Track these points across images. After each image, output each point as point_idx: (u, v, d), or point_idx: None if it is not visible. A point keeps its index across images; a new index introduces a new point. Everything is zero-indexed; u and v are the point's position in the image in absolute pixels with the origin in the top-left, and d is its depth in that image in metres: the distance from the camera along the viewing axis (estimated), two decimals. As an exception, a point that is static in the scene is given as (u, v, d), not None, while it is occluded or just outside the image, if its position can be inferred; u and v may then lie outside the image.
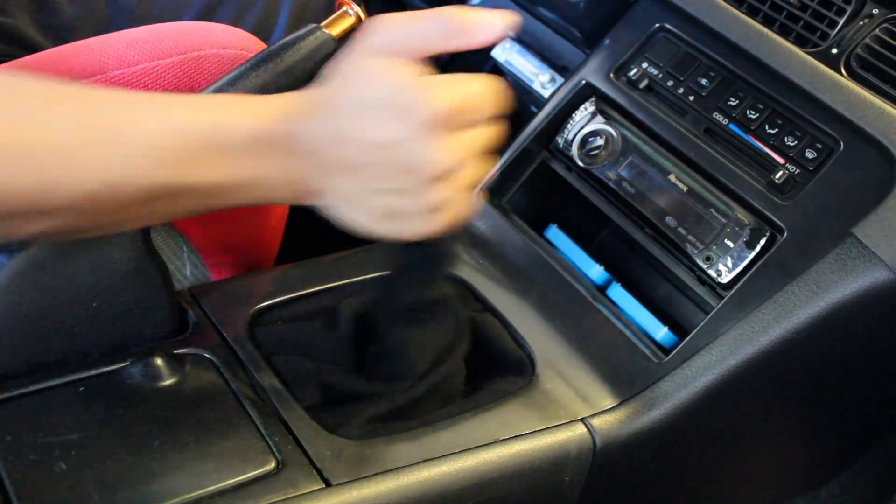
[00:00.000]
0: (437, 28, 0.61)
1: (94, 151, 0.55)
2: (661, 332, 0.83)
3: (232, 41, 0.84)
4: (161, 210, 0.60)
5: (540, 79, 1.15)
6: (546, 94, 1.13)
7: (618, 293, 0.87)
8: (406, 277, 0.73)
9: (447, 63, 1.61)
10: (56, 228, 0.57)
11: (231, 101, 0.62)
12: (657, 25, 0.94)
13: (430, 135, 0.59)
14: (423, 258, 0.75)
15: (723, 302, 0.80)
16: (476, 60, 1.53)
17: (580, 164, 0.91)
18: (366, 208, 0.63)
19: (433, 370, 0.74)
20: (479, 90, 0.61)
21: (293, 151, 0.60)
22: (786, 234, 0.79)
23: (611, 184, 0.89)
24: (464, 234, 0.91)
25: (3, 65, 0.82)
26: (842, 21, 0.87)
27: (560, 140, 0.93)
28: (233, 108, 0.60)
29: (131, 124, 0.57)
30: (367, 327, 0.77)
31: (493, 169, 0.94)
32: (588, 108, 0.93)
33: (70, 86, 0.58)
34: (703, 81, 0.89)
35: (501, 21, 0.62)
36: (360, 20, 0.80)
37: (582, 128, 0.92)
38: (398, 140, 0.59)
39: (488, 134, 0.64)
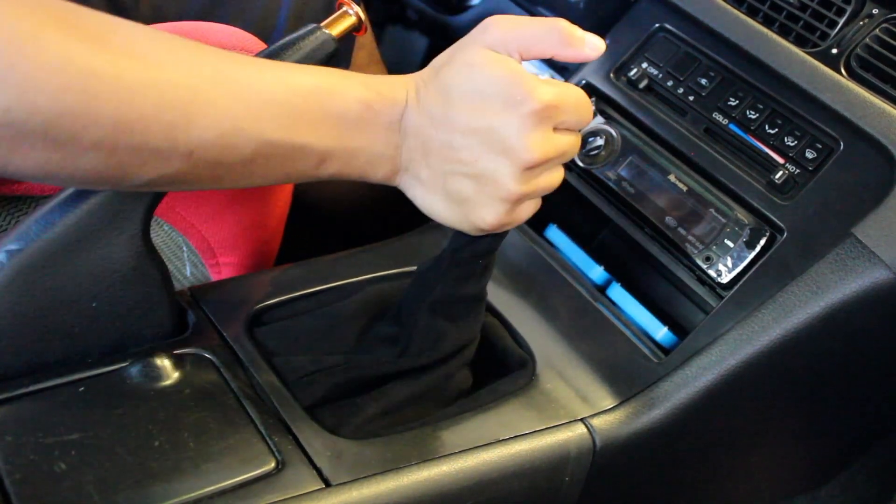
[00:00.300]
0: (549, 35, 0.66)
1: (221, 98, 0.58)
2: (660, 332, 0.83)
3: (232, 41, 0.84)
4: (266, 170, 0.63)
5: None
6: (546, 94, 1.13)
7: (617, 293, 0.87)
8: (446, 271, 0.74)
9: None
10: (171, 175, 0.59)
11: (350, 73, 0.66)
12: (657, 25, 0.94)
13: (529, 126, 0.63)
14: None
15: (722, 302, 0.80)
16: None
17: (580, 163, 0.91)
18: (444, 191, 0.66)
19: (442, 364, 0.74)
20: (578, 95, 0.67)
21: (399, 127, 0.65)
22: (785, 234, 0.79)
23: (611, 184, 0.89)
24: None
25: None
26: (841, 21, 0.87)
27: (560, 140, 0.93)
28: (351, 79, 0.65)
29: (254, 79, 0.60)
30: (378, 318, 0.77)
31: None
32: (588, 108, 0.93)
33: (209, 46, 0.61)
34: (703, 81, 0.89)
35: (602, 44, 0.67)
36: (359, 20, 0.80)
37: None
38: (499, 127, 0.63)
39: (574, 142, 0.68)
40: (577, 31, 0.67)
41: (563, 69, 1.14)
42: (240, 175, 0.63)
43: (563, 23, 0.67)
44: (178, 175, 0.59)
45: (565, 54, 0.67)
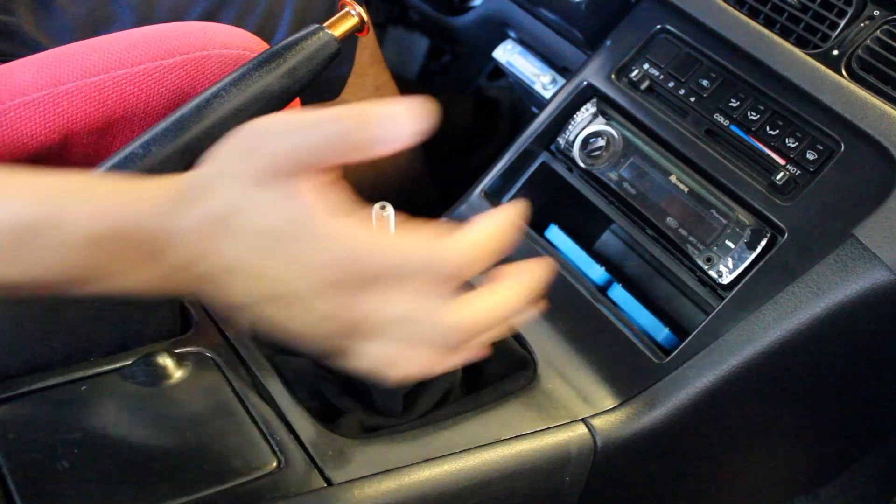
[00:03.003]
0: (325, 137, 0.48)
1: None
2: (661, 333, 0.83)
3: (235, 41, 0.85)
4: None
5: (541, 80, 1.15)
6: (547, 94, 1.13)
7: (618, 294, 0.87)
8: None
9: (445, 68, 1.61)
10: None
11: (79, 188, 0.52)
12: (658, 27, 0.94)
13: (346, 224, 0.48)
14: None
15: (723, 303, 0.80)
16: (477, 62, 1.53)
17: (581, 164, 0.91)
18: (305, 310, 0.50)
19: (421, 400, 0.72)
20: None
21: (159, 244, 0.51)
22: (786, 235, 0.79)
23: (612, 185, 0.89)
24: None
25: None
26: (842, 23, 0.87)
27: (561, 141, 0.93)
28: (77, 198, 0.51)
29: None
30: None
31: (494, 170, 0.95)
32: (589, 109, 0.93)
33: None
34: (704, 83, 0.89)
35: (412, 120, 0.47)
36: (362, 21, 0.80)
37: (583, 129, 0.92)
38: (305, 218, 0.48)
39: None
40: (369, 115, 0.47)
41: (563, 69, 1.14)
42: None
43: (344, 112, 0.48)
44: None
45: (353, 157, 0.48)
